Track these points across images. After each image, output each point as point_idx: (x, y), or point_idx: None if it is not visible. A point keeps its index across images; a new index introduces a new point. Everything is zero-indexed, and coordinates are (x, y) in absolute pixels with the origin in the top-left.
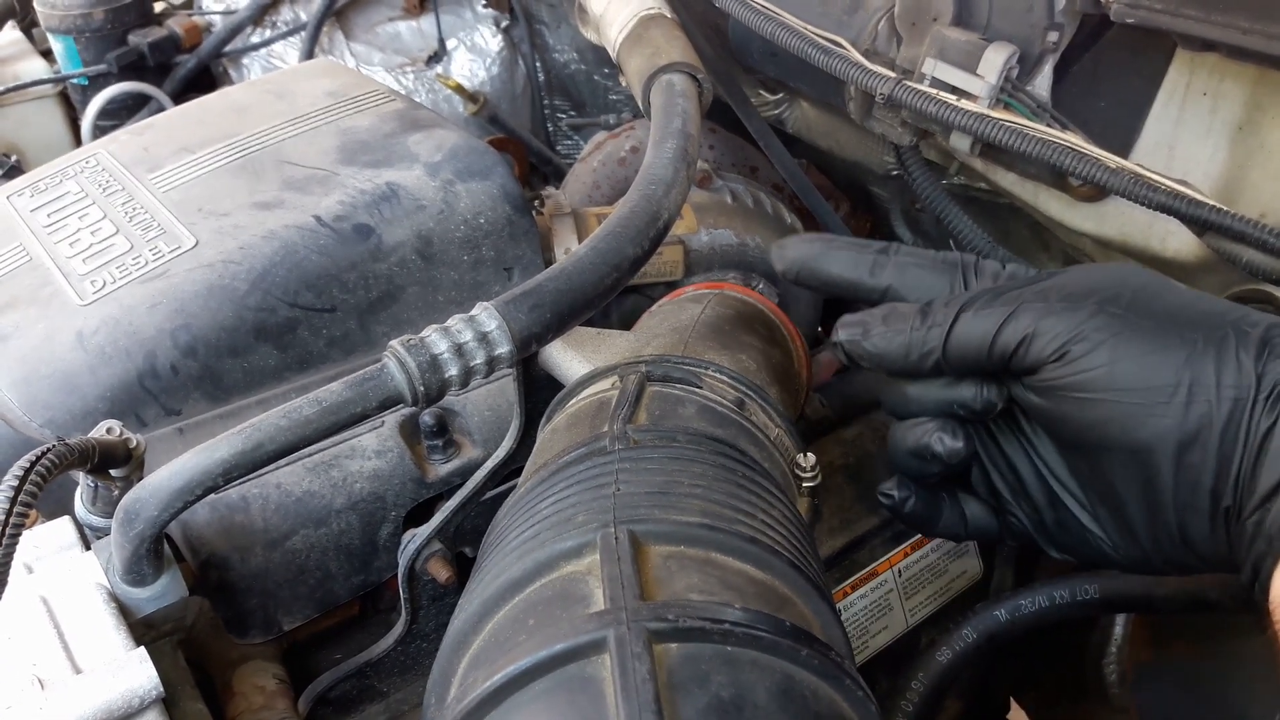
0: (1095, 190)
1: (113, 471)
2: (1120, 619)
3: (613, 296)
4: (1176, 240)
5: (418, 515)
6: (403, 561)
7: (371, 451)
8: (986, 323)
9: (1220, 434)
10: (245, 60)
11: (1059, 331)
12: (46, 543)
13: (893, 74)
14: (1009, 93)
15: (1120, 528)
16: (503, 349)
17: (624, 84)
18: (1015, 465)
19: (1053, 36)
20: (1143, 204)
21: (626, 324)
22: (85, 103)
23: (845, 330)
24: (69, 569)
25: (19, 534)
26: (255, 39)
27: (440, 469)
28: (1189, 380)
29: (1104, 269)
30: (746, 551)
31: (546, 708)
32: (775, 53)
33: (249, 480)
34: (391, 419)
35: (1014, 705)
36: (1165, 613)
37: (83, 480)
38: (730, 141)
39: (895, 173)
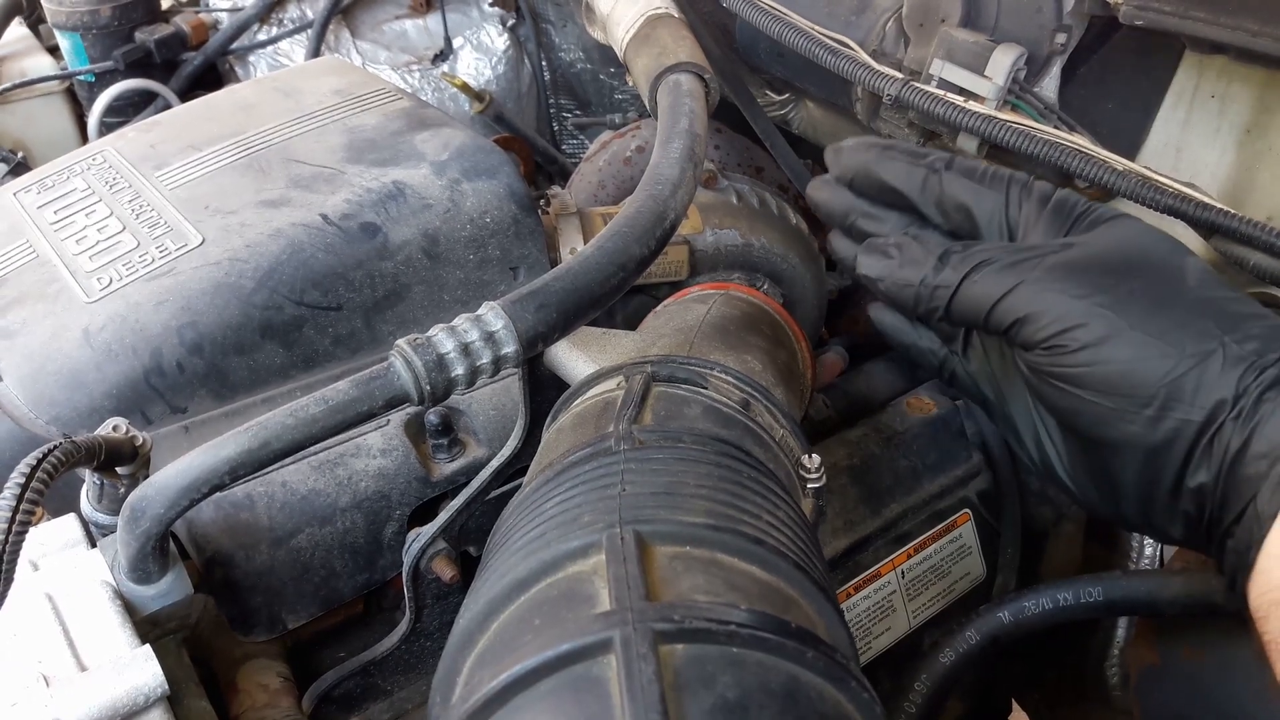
0: (1102, 192)
1: (119, 469)
2: (1122, 621)
3: (619, 296)
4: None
5: (422, 514)
6: (407, 560)
7: (377, 450)
8: (988, 291)
9: (1187, 449)
10: (252, 58)
11: (1051, 321)
12: (52, 540)
13: (900, 75)
14: (1016, 94)
15: (1090, 492)
16: (509, 348)
17: (630, 83)
18: (1014, 401)
19: (1061, 38)
20: (1150, 206)
21: (631, 324)
22: (92, 99)
23: (865, 268)
24: (74, 566)
25: (25, 531)
26: (262, 36)
27: (445, 468)
28: (1164, 396)
29: (1129, 238)
30: (752, 553)
31: (552, 708)
32: (782, 53)
33: (254, 478)
34: (396, 418)
35: (1015, 707)
36: (1170, 615)
37: (89, 478)
38: (736, 141)
39: None
